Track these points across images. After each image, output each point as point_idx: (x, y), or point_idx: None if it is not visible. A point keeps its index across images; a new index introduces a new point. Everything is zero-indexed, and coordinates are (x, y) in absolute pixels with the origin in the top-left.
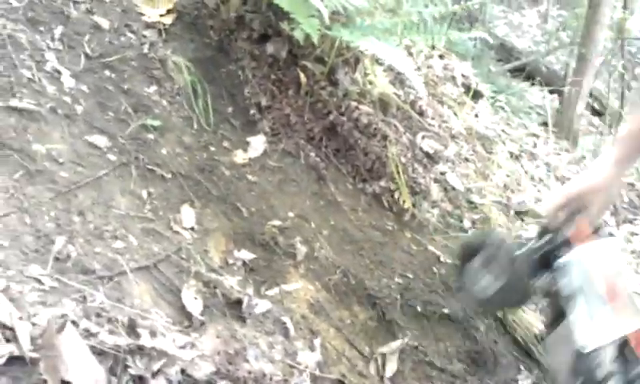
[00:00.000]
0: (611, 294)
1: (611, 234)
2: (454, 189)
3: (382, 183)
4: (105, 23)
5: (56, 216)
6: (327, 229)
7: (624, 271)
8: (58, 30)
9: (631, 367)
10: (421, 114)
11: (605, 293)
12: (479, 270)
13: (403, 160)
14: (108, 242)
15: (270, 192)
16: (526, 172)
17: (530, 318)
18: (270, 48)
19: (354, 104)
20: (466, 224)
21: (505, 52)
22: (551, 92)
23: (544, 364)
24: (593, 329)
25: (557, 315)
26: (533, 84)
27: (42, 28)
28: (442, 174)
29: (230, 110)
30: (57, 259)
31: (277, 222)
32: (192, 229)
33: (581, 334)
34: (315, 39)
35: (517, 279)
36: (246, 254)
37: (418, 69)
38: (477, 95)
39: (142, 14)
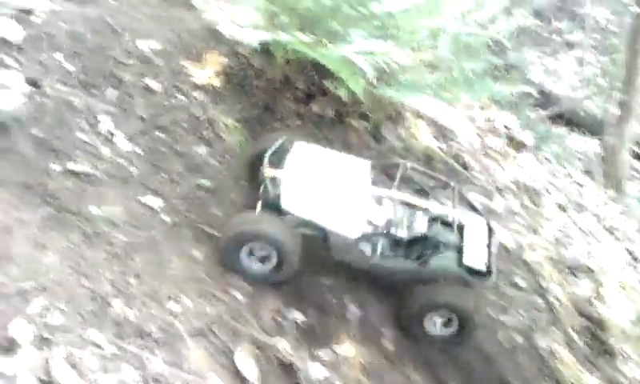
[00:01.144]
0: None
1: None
2: (505, 247)
3: None
4: (156, 85)
5: (113, 278)
6: (377, 287)
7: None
8: (112, 94)
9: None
10: (465, 167)
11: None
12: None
13: None
14: (163, 304)
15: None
16: (574, 223)
17: None
18: (315, 107)
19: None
20: (519, 282)
21: (542, 98)
22: (592, 137)
23: None
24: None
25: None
26: (572, 130)
27: (96, 91)
28: None
29: None
30: (114, 322)
31: (327, 281)
32: (245, 289)
33: (347, 231)
34: (361, 97)
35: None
36: (297, 315)
37: (462, 121)
38: (519, 145)
39: (191, 76)
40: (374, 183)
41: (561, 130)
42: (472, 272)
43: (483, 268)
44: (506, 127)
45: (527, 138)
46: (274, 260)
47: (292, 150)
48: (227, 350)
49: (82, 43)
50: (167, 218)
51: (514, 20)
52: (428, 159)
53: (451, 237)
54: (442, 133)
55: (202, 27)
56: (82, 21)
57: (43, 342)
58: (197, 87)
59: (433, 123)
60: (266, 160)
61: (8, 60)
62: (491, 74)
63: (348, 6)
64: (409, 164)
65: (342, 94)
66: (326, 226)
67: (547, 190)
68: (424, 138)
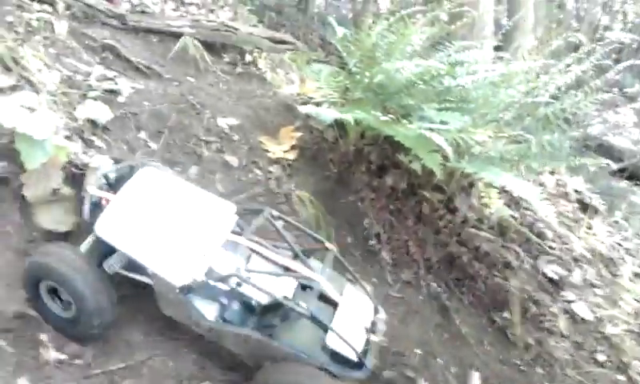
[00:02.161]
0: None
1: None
2: (583, 320)
3: (506, 315)
4: (234, 161)
5: None
6: (455, 365)
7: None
8: (193, 170)
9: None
10: (540, 236)
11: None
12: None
13: (527, 288)
14: None
15: (393, 325)
16: None
17: None
18: (388, 179)
19: (473, 231)
20: (600, 357)
21: (603, 152)
22: None
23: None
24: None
25: None
26: (637, 184)
27: (178, 168)
28: (569, 302)
29: (350, 240)
30: None
31: (404, 359)
32: None
33: (170, 277)
34: (438, 174)
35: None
36: None
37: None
38: (591, 209)
39: (267, 151)
40: (235, 231)
41: (624, 184)
42: (337, 359)
43: (352, 356)
44: (576, 191)
45: (597, 201)
46: (72, 307)
47: (137, 174)
48: None
49: (164, 122)
50: None
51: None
52: (502, 229)
53: (320, 311)
54: (515, 201)
55: (277, 103)
56: (164, 99)
57: None
58: (272, 162)
59: (505, 192)
60: (94, 176)
61: (96, 141)
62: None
63: (422, 82)
64: (273, 212)
65: (416, 167)
66: (144, 263)
67: (623, 259)
68: (497, 206)
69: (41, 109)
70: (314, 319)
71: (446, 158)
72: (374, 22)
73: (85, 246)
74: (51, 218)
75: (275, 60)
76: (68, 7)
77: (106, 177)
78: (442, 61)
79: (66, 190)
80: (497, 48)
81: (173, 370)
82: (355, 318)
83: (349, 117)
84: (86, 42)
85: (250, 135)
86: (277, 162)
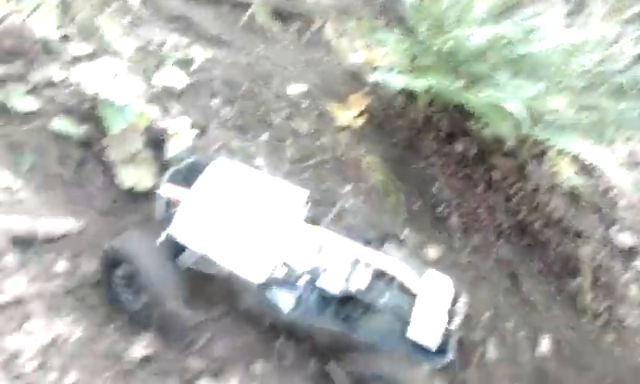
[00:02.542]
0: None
1: None
2: None
3: (576, 282)
4: (303, 128)
5: None
6: (523, 329)
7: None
8: (264, 137)
9: None
10: (612, 204)
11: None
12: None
13: (598, 256)
14: None
15: (463, 289)
16: None
17: None
18: (458, 146)
19: (544, 199)
20: None
21: None
22: None
23: None
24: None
25: None
26: None
27: (249, 135)
28: None
29: (418, 206)
30: None
31: (472, 321)
32: None
33: (248, 275)
34: (510, 141)
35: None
36: None
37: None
38: None
39: (335, 117)
40: (309, 220)
41: None
42: (418, 348)
43: (432, 345)
44: None
45: None
46: (142, 296)
47: (207, 169)
48: None
49: (235, 89)
50: None
51: None
52: (574, 197)
53: (398, 299)
54: (587, 169)
55: (344, 70)
56: (235, 68)
57: None
58: (341, 128)
59: (576, 160)
60: (167, 174)
61: (172, 107)
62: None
63: (493, 49)
64: (347, 205)
65: (487, 134)
66: (222, 264)
67: None
68: (569, 175)
69: (121, 75)
70: (392, 313)
71: (517, 125)
72: None
73: (161, 239)
74: (132, 179)
75: (339, 28)
76: None
77: (179, 171)
78: (512, 27)
79: (146, 153)
80: (568, 15)
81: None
82: (435, 305)
83: (419, 84)
84: (159, 12)
85: (318, 102)
86: (345, 128)
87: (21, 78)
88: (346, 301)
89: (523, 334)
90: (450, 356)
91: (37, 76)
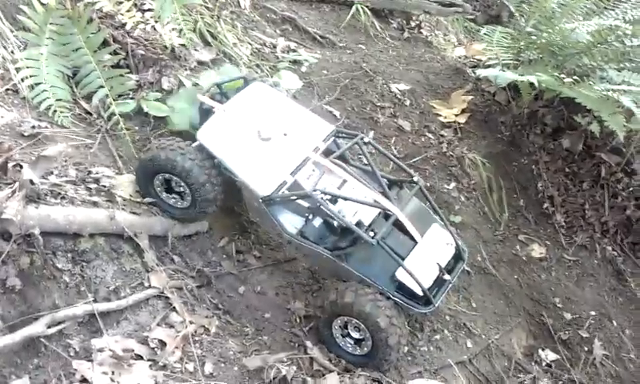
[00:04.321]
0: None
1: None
2: None
3: None
4: (407, 125)
5: None
6: (630, 328)
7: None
8: (370, 135)
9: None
10: None
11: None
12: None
13: None
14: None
15: (568, 287)
16: None
17: None
18: (564, 142)
19: None
20: None
21: None
22: None
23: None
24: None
25: None
26: None
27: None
28: None
29: (522, 203)
30: None
31: (577, 321)
32: (497, 323)
33: (255, 186)
34: (621, 135)
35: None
36: (549, 355)
37: None
38: None
39: (438, 115)
40: (327, 152)
41: None
42: (405, 291)
43: (418, 291)
44: None
45: None
46: (187, 196)
47: (245, 89)
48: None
49: (342, 89)
50: None
51: None
52: None
53: (398, 243)
54: None
55: (446, 66)
56: (340, 67)
57: None
58: (444, 125)
59: None
60: (210, 87)
61: None
62: None
63: (602, 42)
64: (366, 138)
65: (595, 129)
66: (235, 171)
67: None
68: None
69: None
70: (381, 248)
71: (627, 119)
72: None
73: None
74: None
75: (432, 23)
76: None
77: (219, 86)
78: (618, 18)
79: None
80: None
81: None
82: (431, 257)
83: (531, 78)
84: (267, 15)
85: (420, 100)
86: (448, 125)
87: (153, 84)
88: (349, 232)
89: (630, 333)
90: (435, 306)
91: (167, 82)
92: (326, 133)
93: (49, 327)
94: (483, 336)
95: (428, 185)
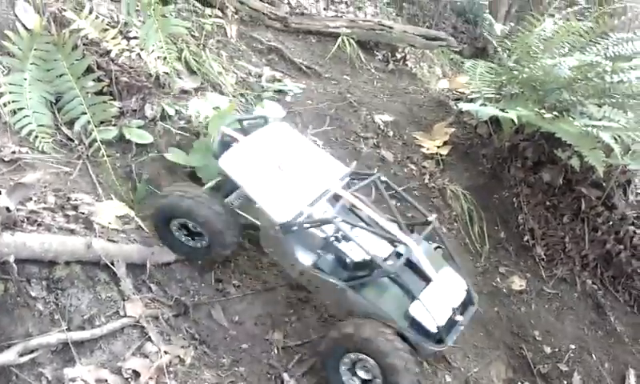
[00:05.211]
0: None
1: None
2: None
3: None
4: (390, 156)
5: None
6: (609, 362)
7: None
8: (353, 164)
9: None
10: None
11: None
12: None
13: None
14: None
15: (548, 320)
16: None
17: None
18: (545, 175)
19: (631, 229)
20: None
21: None
22: None
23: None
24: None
25: None
26: None
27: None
28: None
29: (503, 235)
30: None
31: (557, 354)
32: (476, 355)
33: (273, 213)
34: (601, 171)
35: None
36: None
37: None
38: None
39: (421, 146)
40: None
41: None
42: (418, 328)
43: (433, 328)
44: None
45: None
46: (205, 237)
47: (267, 126)
48: None
49: (326, 119)
50: None
51: None
52: None
53: (411, 280)
54: None
55: (430, 99)
56: (325, 98)
57: None
58: (426, 157)
59: None
60: (231, 120)
61: None
62: None
63: (583, 78)
64: (383, 178)
65: (575, 163)
66: (253, 197)
67: None
68: None
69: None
70: (397, 280)
71: (607, 154)
72: (537, 19)
73: (209, 185)
74: None
75: (418, 55)
76: (236, 11)
77: (240, 122)
78: (599, 54)
79: None
80: None
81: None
82: (444, 296)
83: (511, 114)
84: (254, 45)
85: (404, 131)
86: (430, 157)
87: (136, 112)
88: (362, 267)
89: (608, 366)
90: (446, 345)
91: (149, 110)
92: (344, 172)
93: (21, 355)
94: (462, 369)
95: (410, 215)
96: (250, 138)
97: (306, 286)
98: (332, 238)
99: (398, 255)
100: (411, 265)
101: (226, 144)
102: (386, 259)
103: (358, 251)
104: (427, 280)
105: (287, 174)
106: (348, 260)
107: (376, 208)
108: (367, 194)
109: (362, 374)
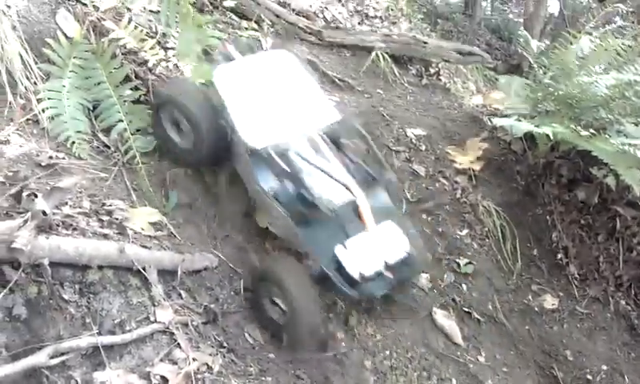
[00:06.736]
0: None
1: None
2: None
3: None
4: (421, 170)
5: (390, 353)
6: None
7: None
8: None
9: None
10: None
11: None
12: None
13: None
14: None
15: (580, 340)
16: None
17: None
18: (580, 194)
19: None
20: None
21: None
22: None
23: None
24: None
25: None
26: None
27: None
28: None
29: (536, 253)
30: None
31: (589, 376)
32: (506, 374)
33: (246, 136)
34: (637, 190)
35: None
36: None
37: None
38: None
39: (453, 161)
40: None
41: None
42: (338, 268)
43: (354, 274)
44: None
45: None
46: (190, 134)
47: (273, 51)
48: None
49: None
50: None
51: None
52: None
53: (354, 228)
54: None
55: (463, 114)
56: (358, 111)
57: None
58: (459, 172)
59: None
60: (234, 39)
61: None
62: None
63: (620, 96)
64: (356, 125)
65: (611, 182)
66: (231, 115)
67: None
68: None
69: None
70: (334, 220)
71: None
72: (573, 36)
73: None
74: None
75: (452, 70)
76: (272, 25)
77: (242, 45)
78: (637, 73)
79: None
80: None
81: None
82: (377, 249)
83: (547, 130)
84: None
85: (436, 146)
86: (463, 172)
87: None
88: (316, 206)
89: None
90: (364, 293)
91: None
92: (331, 119)
93: (51, 358)
94: None
95: (440, 230)
96: (250, 59)
97: (260, 208)
98: (297, 172)
99: (355, 209)
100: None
101: (226, 59)
102: (330, 201)
103: (316, 189)
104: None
105: (273, 103)
106: (308, 196)
107: (338, 154)
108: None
109: (280, 302)
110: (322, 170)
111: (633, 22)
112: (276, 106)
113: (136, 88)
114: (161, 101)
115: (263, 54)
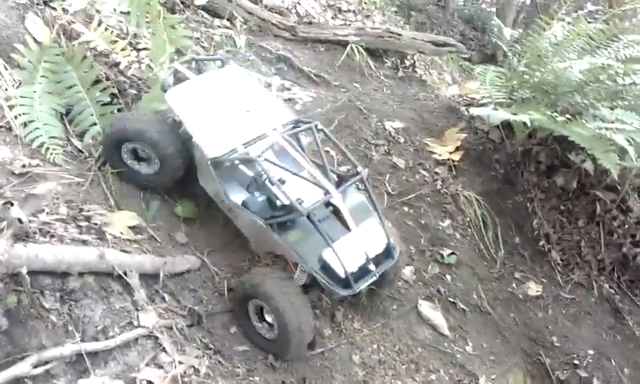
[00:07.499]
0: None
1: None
2: None
3: None
4: (401, 163)
5: (378, 347)
6: (629, 367)
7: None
8: (365, 173)
9: None
10: None
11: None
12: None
13: None
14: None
15: (565, 326)
16: None
17: None
18: (559, 179)
19: None
20: None
21: None
22: None
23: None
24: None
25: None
26: None
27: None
28: None
29: (518, 240)
30: None
31: (576, 360)
32: (494, 362)
33: (206, 147)
34: (615, 173)
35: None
36: None
37: None
38: None
39: (432, 153)
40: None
41: None
42: (328, 272)
43: (342, 274)
44: None
45: None
46: (155, 161)
47: (220, 69)
48: None
49: (337, 126)
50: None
51: None
52: None
53: (332, 227)
54: None
55: (440, 105)
56: (335, 106)
57: None
58: (438, 163)
59: None
60: (189, 60)
61: None
62: None
63: (595, 80)
64: (320, 126)
65: (589, 167)
66: (191, 132)
67: None
68: None
69: None
70: (317, 226)
71: (621, 157)
72: (546, 23)
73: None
74: None
75: (427, 62)
76: (245, 22)
77: (197, 62)
78: (610, 57)
79: None
80: None
81: None
82: (360, 245)
83: (524, 118)
84: (262, 54)
85: (415, 137)
86: (443, 163)
87: None
88: (289, 211)
89: (628, 372)
90: (355, 291)
91: None
92: (287, 119)
93: (35, 367)
94: (480, 376)
95: (423, 222)
96: (201, 77)
97: (235, 222)
98: (264, 179)
99: (329, 205)
100: (338, 214)
101: (179, 80)
102: (302, 203)
103: (287, 193)
104: (348, 228)
105: (229, 113)
106: (278, 202)
107: (305, 155)
108: None
109: (269, 319)
110: (293, 173)
111: (604, 7)
112: (231, 115)
113: (108, 90)
114: (118, 137)
115: (213, 72)
